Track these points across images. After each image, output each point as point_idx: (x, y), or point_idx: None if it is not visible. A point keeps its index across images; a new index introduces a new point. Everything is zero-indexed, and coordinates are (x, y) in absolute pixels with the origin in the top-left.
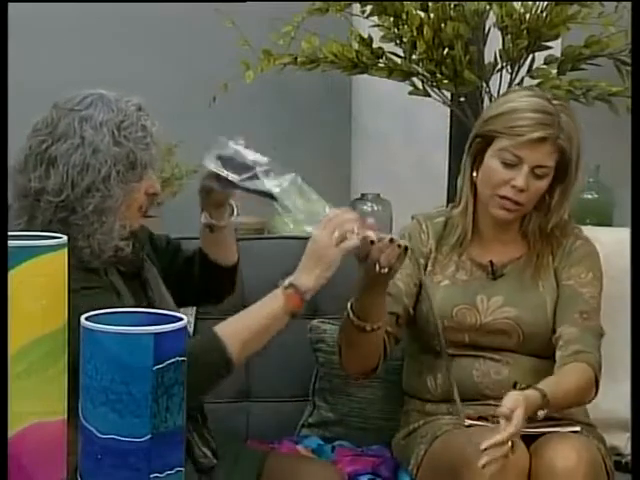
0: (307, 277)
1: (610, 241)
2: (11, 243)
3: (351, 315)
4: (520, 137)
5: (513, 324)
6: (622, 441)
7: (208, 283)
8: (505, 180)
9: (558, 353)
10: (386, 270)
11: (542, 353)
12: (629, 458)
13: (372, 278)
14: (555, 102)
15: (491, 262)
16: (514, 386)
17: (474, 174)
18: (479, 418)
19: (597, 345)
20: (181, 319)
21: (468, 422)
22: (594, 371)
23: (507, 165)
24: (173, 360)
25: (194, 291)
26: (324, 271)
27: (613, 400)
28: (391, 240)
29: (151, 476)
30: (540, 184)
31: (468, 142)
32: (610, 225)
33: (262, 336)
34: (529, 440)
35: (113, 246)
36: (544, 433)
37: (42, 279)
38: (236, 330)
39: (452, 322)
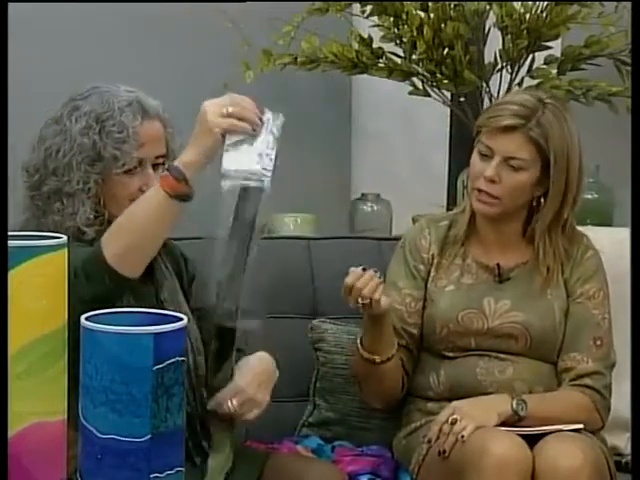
0: (190, 152)
1: (610, 241)
2: (11, 243)
3: (361, 350)
4: (490, 126)
5: (521, 329)
6: (622, 441)
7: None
8: (480, 172)
9: (569, 383)
10: (367, 301)
11: (548, 358)
12: (629, 458)
13: (368, 313)
14: (548, 101)
15: (498, 265)
16: None
17: None
18: None
19: (609, 379)
20: (181, 319)
21: None
22: (597, 411)
23: (482, 157)
24: (173, 360)
25: None
26: (209, 146)
27: (613, 400)
28: (364, 269)
29: (151, 476)
30: (518, 177)
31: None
32: (610, 225)
33: (148, 227)
34: (532, 440)
35: (71, 227)
36: (547, 433)
37: (42, 279)
38: (117, 230)
39: (458, 327)
